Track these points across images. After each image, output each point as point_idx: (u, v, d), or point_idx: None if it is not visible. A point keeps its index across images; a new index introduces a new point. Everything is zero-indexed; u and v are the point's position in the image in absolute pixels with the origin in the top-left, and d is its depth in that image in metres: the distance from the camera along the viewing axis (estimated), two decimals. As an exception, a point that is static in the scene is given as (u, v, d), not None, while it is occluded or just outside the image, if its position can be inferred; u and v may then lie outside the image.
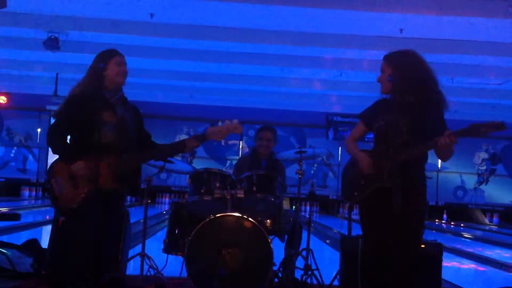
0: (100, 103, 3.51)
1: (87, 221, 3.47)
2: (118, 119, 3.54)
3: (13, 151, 17.03)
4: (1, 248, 4.82)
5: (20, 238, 6.00)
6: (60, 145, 3.57)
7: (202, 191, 4.60)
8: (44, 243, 4.85)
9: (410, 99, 3.43)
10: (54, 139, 3.56)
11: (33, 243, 5.22)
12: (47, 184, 3.66)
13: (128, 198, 16.14)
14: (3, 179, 16.70)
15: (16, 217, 4.58)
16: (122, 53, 3.68)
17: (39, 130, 16.83)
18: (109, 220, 3.57)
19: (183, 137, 17.24)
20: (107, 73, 3.55)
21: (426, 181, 3.51)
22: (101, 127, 3.49)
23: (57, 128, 3.58)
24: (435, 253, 4.46)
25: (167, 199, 16.84)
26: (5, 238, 5.70)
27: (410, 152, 3.36)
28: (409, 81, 3.42)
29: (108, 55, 3.59)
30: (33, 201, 15.68)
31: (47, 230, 4.48)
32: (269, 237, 4.36)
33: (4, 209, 10.94)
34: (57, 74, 12.68)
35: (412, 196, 3.37)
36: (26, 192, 16.77)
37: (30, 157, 16.95)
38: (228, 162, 16.88)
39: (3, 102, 16.17)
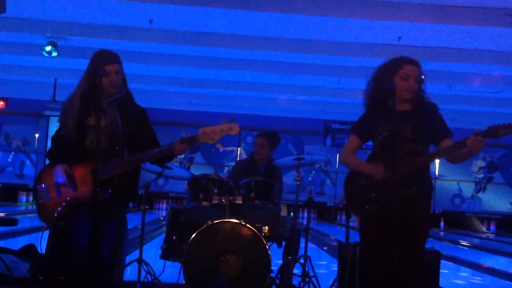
0: (89, 107, 3.39)
1: (77, 229, 3.37)
2: (107, 123, 3.38)
3: (11, 156, 17.01)
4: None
5: (17, 243, 5.98)
6: (50, 150, 3.52)
7: (200, 197, 4.60)
8: (41, 248, 4.84)
9: (408, 107, 3.42)
10: (51, 143, 3.54)
11: (30, 249, 5.21)
12: (33, 190, 3.53)
13: (126, 204, 16.13)
14: (1, 184, 16.67)
15: (14, 222, 4.56)
16: (121, 59, 3.55)
17: (37, 135, 16.82)
18: (104, 227, 3.38)
19: (181, 143, 17.29)
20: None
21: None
22: (89, 131, 3.38)
23: (55, 133, 3.55)
24: (433, 260, 4.47)
25: (164, 205, 16.81)
26: (2, 243, 5.69)
27: (435, 155, 3.33)
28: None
29: (98, 63, 3.39)
30: (30, 207, 15.63)
31: (44, 235, 4.46)
32: (267, 243, 4.36)
33: (1, 214, 10.92)
34: (55, 80, 12.69)
35: (421, 204, 3.35)
36: (23, 198, 16.74)
37: (28, 162, 16.93)
38: (226, 168, 16.87)
39: (1, 107, 16.17)
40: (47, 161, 3.57)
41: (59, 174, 3.36)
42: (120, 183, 3.40)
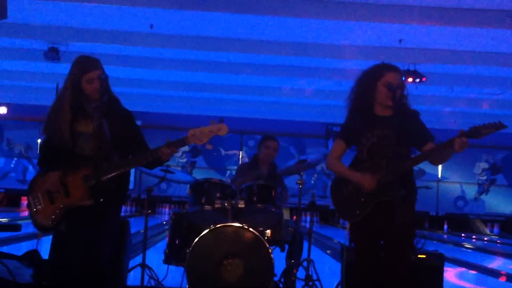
0: (76, 113, 3.42)
1: (72, 236, 3.39)
2: (94, 128, 3.38)
3: (13, 162, 17.03)
4: (2, 258, 4.80)
5: (21, 248, 5.98)
6: (41, 158, 3.55)
7: (202, 201, 4.60)
8: (44, 254, 4.84)
9: (389, 112, 3.45)
10: (39, 152, 3.56)
11: (33, 254, 5.19)
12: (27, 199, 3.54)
13: (128, 208, 16.17)
14: (4, 190, 16.68)
15: (17, 227, 4.57)
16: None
17: (39, 141, 16.78)
18: (99, 232, 3.42)
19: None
20: (82, 86, 3.43)
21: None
22: (76, 137, 3.40)
23: (44, 141, 3.56)
24: (437, 263, 4.45)
25: (167, 209, 16.81)
26: (5, 249, 5.67)
27: (421, 157, 3.40)
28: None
29: (79, 70, 3.44)
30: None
31: (47, 241, 4.47)
32: (270, 247, 4.35)
33: (4, 220, 10.92)
34: (57, 85, 12.68)
35: (408, 206, 3.40)
36: (26, 203, 16.74)
37: (30, 167, 16.94)
38: (228, 172, 16.87)
39: (3, 113, 16.22)
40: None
41: (52, 181, 3.39)
42: (111, 187, 3.39)
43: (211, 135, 3.40)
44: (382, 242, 3.47)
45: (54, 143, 3.46)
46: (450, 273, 6.95)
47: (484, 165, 17.54)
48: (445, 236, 15.66)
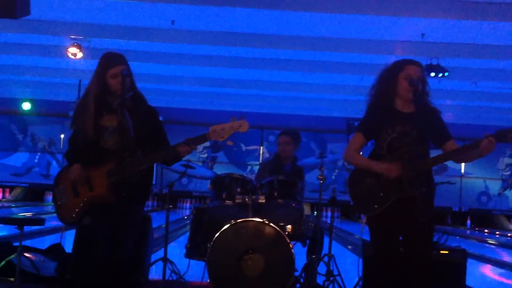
0: (101, 108, 3.47)
1: (95, 230, 3.43)
2: (118, 123, 3.44)
3: (37, 156, 17.26)
4: (26, 252, 4.88)
5: (44, 242, 6.07)
6: (67, 152, 3.59)
7: (223, 196, 4.61)
8: (68, 247, 4.91)
9: (412, 109, 3.44)
10: (68, 145, 3.62)
11: (57, 248, 5.28)
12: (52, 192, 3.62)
13: (150, 203, 16.30)
14: (28, 184, 16.93)
15: (41, 222, 4.63)
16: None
17: (62, 136, 17.04)
18: (123, 227, 3.46)
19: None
20: (107, 82, 3.47)
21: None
22: (101, 132, 3.45)
23: (72, 135, 3.61)
24: (460, 259, 4.42)
25: (188, 204, 16.90)
26: (29, 243, 5.77)
27: (446, 156, 3.41)
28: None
29: (104, 66, 3.47)
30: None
31: (71, 234, 4.53)
32: (291, 242, 4.35)
33: (28, 214, 11.08)
34: (80, 81, 12.83)
35: (427, 203, 3.40)
36: (50, 197, 16.98)
37: (54, 162, 17.16)
38: (249, 167, 16.88)
39: (27, 109, 16.46)
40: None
41: (76, 173, 3.44)
42: (134, 183, 3.44)
43: (232, 131, 3.41)
44: (400, 238, 3.47)
45: (79, 138, 3.51)
46: (473, 269, 6.88)
47: (508, 160, 17.29)
48: (468, 232, 15.49)
